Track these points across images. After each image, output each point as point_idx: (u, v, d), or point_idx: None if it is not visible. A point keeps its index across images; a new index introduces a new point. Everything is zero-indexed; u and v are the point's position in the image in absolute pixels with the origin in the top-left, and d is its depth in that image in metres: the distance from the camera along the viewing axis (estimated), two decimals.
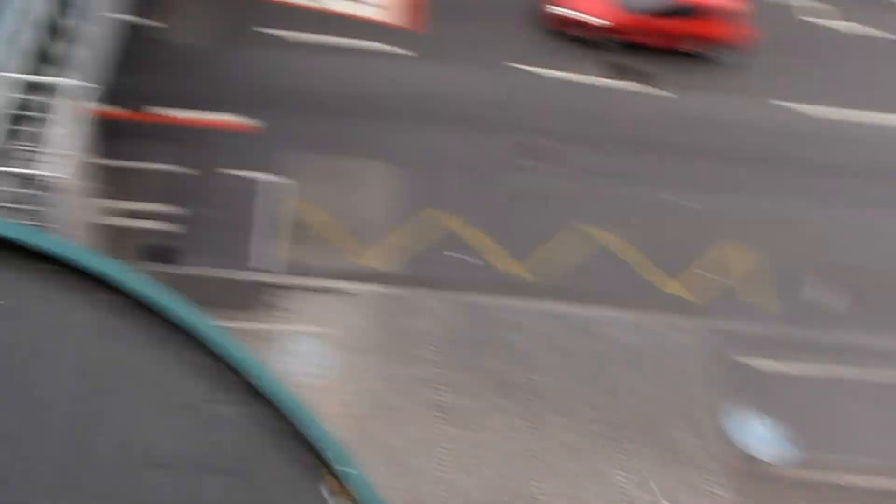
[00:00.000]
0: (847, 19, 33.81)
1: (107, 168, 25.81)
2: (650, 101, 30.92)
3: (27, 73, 20.82)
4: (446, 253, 26.16)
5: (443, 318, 24.74)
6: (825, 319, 24.76)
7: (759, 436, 23.79)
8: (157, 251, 25.59)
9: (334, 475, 13.63)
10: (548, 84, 30.73)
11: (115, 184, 25.97)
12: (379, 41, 31.19)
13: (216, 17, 31.13)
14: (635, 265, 26.78)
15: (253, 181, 27.21)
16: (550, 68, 31.06)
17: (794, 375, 25.17)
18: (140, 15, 29.94)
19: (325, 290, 25.05)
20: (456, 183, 27.79)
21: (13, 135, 20.19)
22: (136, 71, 28.59)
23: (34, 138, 20.73)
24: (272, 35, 30.84)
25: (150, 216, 26.15)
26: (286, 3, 31.82)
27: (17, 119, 20.45)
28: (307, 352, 23.72)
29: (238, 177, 27.19)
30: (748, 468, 23.37)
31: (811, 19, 33.96)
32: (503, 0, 32.89)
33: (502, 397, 23.57)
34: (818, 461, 23.74)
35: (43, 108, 21.46)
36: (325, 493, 13.39)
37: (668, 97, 30.99)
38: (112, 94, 27.42)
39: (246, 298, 24.86)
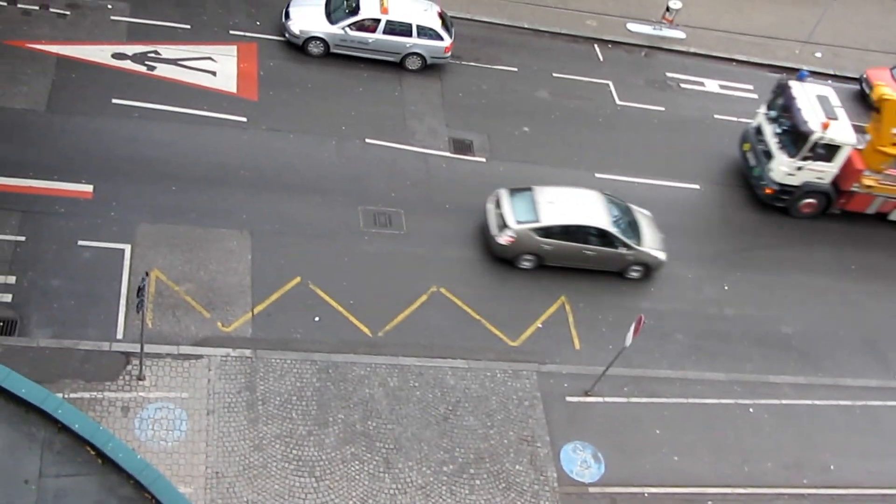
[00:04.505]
0: None
1: None
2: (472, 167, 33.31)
3: None
4: (298, 315, 27.37)
5: (297, 376, 25.96)
6: (625, 357, 27.23)
7: (579, 460, 26.41)
8: None
9: None
10: (383, 154, 32.61)
11: None
12: (216, 110, 32.06)
13: (46, 81, 31.08)
14: (474, 319, 28.96)
15: (98, 249, 27.23)
16: (380, 139, 33.11)
17: (605, 404, 28.01)
18: None
19: (181, 356, 25.40)
20: (303, 248, 28.99)
21: None
22: None
23: None
24: (108, 102, 31.15)
25: None
26: (118, 69, 32.23)
27: None
28: (166, 418, 24.07)
29: (82, 245, 27.20)
30: (572, 490, 25.86)
31: None
32: (330, 77, 34.94)
33: (356, 447, 25.06)
34: (625, 477, 26.59)
35: None
36: None
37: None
38: None
39: (98, 368, 24.55)
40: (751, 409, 29.17)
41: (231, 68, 33.62)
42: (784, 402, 29.74)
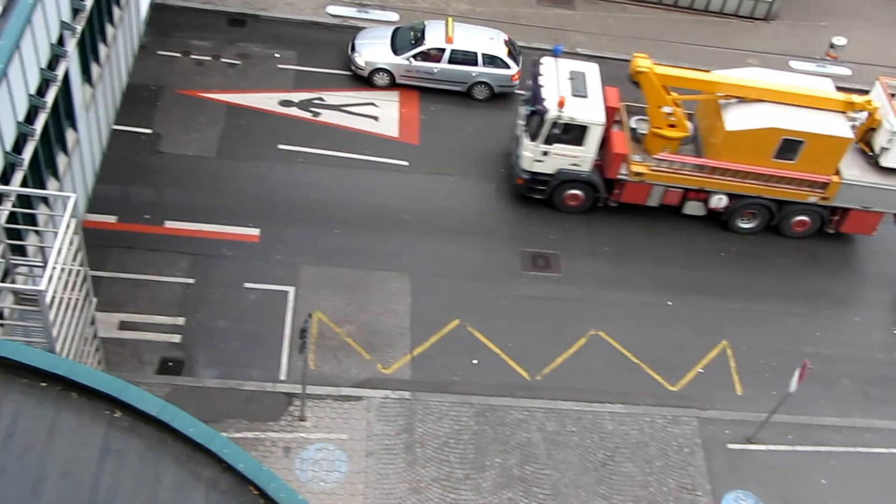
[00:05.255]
0: None
1: (111, 280, 26.99)
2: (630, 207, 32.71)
3: (23, 186, 20.17)
4: (456, 358, 27.63)
5: (455, 419, 26.17)
6: (789, 403, 26.40)
7: None
8: (168, 363, 25.95)
9: None
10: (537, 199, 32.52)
11: (120, 296, 26.92)
12: (378, 154, 32.84)
13: (216, 129, 32.36)
14: (633, 363, 28.65)
15: (263, 291, 28.14)
16: None
17: (768, 452, 27.20)
18: (138, 125, 31.38)
19: (341, 398, 25.93)
20: (462, 291, 29.29)
21: (9, 248, 19.60)
22: (138, 182, 29.94)
23: (29, 252, 20.57)
24: (274, 147, 32.25)
25: (159, 328, 26.74)
26: (284, 116, 33.42)
27: (11, 232, 19.76)
28: (326, 459, 24.56)
29: (247, 288, 28.13)
30: None
31: None
32: (490, 120, 35.14)
33: (513, 492, 25.05)
34: None
35: (39, 221, 21.25)
36: None
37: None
38: (113, 205, 28.63)
39: (262, 408, 25.30)
40: None
41: (393, 113, 34.37)
42: None
